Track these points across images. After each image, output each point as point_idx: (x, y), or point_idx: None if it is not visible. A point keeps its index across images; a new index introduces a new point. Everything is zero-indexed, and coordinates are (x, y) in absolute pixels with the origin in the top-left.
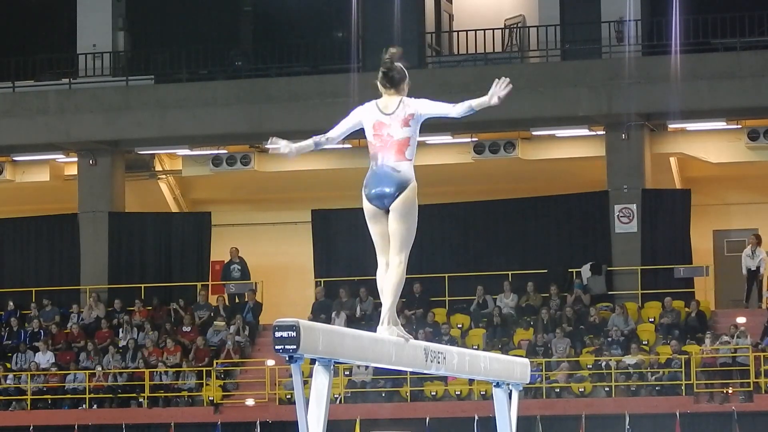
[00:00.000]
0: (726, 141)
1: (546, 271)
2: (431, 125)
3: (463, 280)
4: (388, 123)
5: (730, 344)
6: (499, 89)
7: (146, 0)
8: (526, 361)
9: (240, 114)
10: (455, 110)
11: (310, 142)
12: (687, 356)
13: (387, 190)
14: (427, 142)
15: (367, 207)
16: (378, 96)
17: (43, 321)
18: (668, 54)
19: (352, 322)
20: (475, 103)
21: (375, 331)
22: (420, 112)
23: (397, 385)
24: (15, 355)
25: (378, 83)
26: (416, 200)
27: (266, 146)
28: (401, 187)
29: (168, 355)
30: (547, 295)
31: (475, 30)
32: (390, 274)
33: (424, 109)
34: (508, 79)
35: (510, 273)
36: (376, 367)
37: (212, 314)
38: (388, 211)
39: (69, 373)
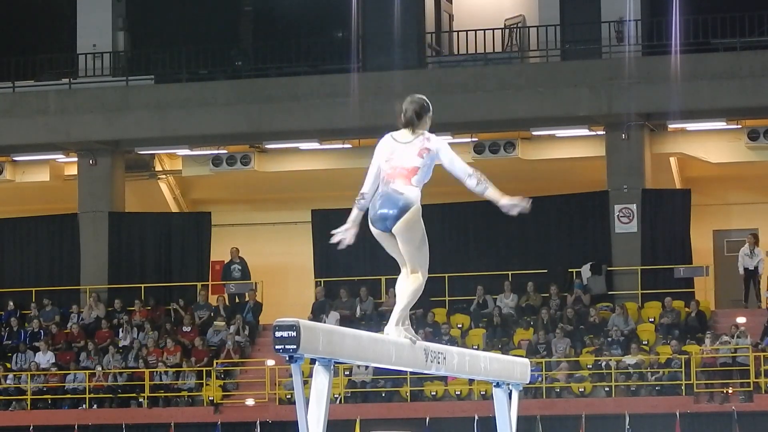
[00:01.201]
0: (726, 141)
1: (546, 271)
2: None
3: (463, 280)
4: (402, 151)
5: (730, 344)
6: (520, 204)
7: (146, 0)
8: (526, 361)
9: (240, 114)
10: (470, 182)
11: (356, 211)
12: (687, 356)
13: (388, 212)
14: None
15: (374, 231)
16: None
17: (43, 321)
18: (668, 54)
19: (352, 322)
20: (490, 193)
21: (375, 330)
22: (437, 151)
23: (397, 385)
24: (15, 355)
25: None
26: (420, 223)
27: (334, 240)
28: (403, 209)
29: (168, 355)
30: (547, 295)
31: (475, 30)
32: (408, 280)
33: (443, 153)
34: (529, 203)
35: (510, 273)
36: (376, 367)
37: (212, 314)
38: (390, 232)
39: (69, 373)
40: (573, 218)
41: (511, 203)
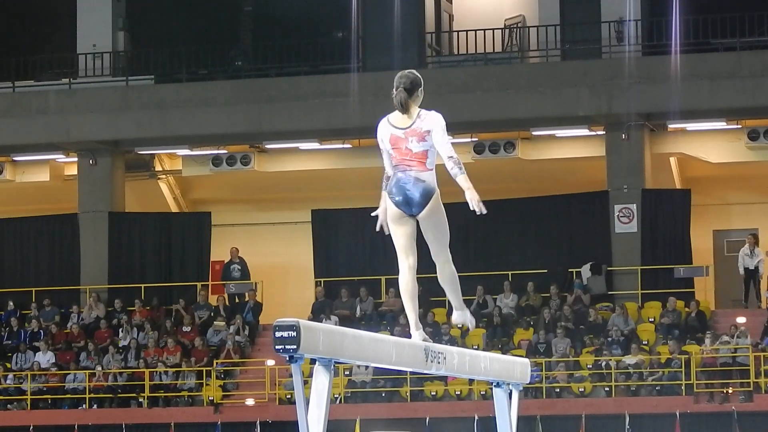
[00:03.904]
0: (726, 141)
1: (546, 271)
2: None
3: (463, 280)
4: (404, 137)
5: (730, 344)
6: (476, 204)
7: (146, 0)
8: (526, 361)
9: (240, 114)
10: (448, 163)
11: (384, 194)
12: (687, 356)
13: (414, 199)
14: None
15: (393, 210)
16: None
17: (43, 321)
18: (668, 54)
19: (352, 322)
20: (460, 179)
21: (375, 330)
22: (431, 131)
23: (397, 385)
24: (15, 355)
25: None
26: (442, 205)
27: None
28: (427, 196)
29: (168, 355)
30: (547, 295)
31: (475, 30)
32: (443, 273)
33: (435, 132)
34: (483, 211)
35: (510, 273)
36: (376, 367)
37: (212, 314)
38: (413, 216)
39: (69, 373)
40: (573, 218)
41: (471, 197)
